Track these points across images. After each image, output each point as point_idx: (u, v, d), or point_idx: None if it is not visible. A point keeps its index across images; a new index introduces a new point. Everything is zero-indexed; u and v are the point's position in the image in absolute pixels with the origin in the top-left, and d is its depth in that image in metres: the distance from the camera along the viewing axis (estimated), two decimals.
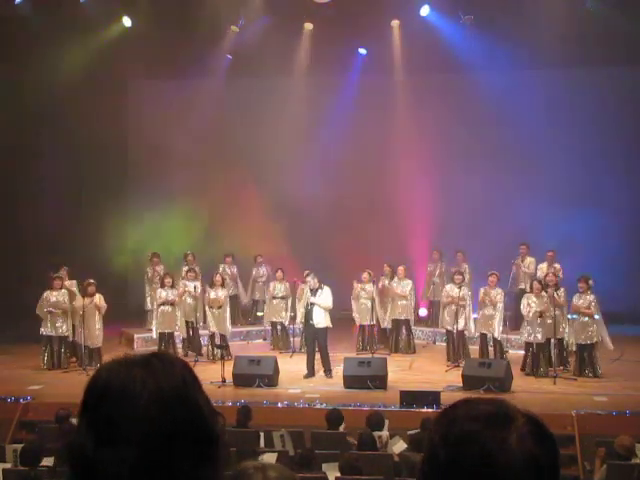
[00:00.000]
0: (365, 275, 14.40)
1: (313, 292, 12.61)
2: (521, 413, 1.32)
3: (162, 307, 13.97)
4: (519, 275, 15.30)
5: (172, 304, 13.99)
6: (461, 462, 1.26)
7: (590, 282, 12.44)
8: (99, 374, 1.33)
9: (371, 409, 9.81)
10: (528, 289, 14.00)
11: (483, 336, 13.17)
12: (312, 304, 12.53)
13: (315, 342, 12.63)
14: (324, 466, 7.64)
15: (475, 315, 13.47)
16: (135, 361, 1.33)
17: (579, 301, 12.26)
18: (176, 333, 14.15)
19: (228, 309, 14.23)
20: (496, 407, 1.31)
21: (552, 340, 12.22)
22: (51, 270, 13.86)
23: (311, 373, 12.57)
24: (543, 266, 14.96)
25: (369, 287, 14.27)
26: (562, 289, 12.66)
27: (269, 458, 7.58)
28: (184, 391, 1.31)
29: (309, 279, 12.81)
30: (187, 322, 14.36)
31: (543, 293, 12.44)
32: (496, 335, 12.95)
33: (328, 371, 12.52)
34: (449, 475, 1.27)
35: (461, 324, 13.26)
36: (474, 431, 1.26)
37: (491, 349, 13.14)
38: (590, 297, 12.26)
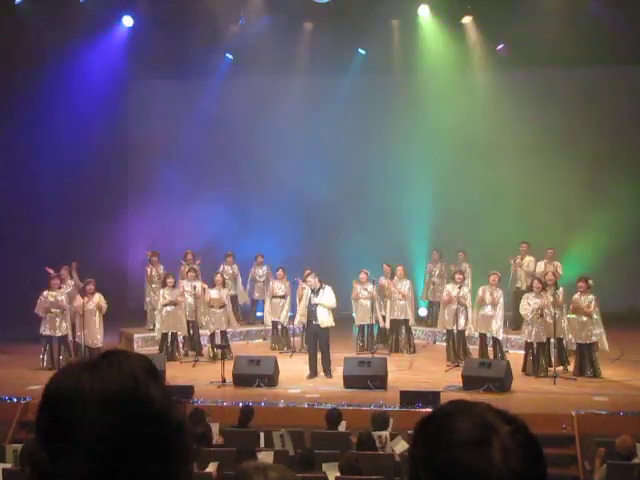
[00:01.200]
0: (363, 275, 14.39)
1: (315, 292, 12.60)
2: (504, 420, 1.28)
3: (166, 307, 13.98)
4: (518, 274, 15.30)
5: (175, 304, 14.01)
6: None
7: (590, 282, 12.46)
8: (50, 383, 1.32)
9: (376, 409, 9.81)
10: (524, 288, 14.00)
11: (482, 336, 13.17)
12: (316, 304, 12.53)
13: (317, 342, 12.63)
14: (324, 466, 7.63)
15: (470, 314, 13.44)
16: (84, 366, 1.31)
17: (579, 300, 12.27)
18: (179, 333, 14.15)
19: (230, 308, 14.29)
20: (477, 420, 1.27)
21: (552, 340, 12.22)
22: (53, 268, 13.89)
23: (314, 373, 12.57)
24: (542, 264, 14.99)
25: (369, 287, 14.26)
26: (561, 289, 12.67)
27: (266, 457, 7.58)
28: (134, 389, 1.28)
29: (310, 279, 12.78)
30: (188, 322, 14.36)
31: (543, 292, 12.44)
32: (496, 335, 12.94)
33: (328, 371, 12.52)
34: None
35: (461, 324, 13.27)
36: (457, 455, 1.23)
37: (490, 349, 13.14)
38: (590, 297, 12.27)
